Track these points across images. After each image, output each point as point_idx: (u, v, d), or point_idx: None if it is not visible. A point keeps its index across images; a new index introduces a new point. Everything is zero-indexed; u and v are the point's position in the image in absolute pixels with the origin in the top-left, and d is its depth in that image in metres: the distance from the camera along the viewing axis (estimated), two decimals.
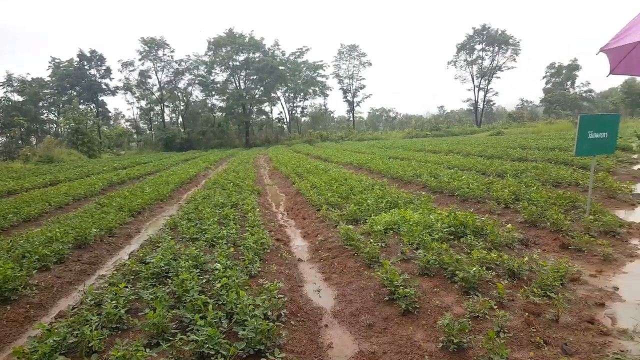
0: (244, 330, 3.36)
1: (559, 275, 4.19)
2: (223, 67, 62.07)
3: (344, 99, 73.69)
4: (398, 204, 7.79)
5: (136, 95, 60.26)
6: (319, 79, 69.45)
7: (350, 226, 6.45)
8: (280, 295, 4.18)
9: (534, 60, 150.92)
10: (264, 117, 67.39)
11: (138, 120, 66.16)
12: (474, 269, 4.23)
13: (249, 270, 5.06)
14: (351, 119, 75.78)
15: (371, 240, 5.64)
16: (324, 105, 75.88)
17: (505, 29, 68.94)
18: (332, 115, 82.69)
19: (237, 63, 62.15)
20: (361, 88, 72.90)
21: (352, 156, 21.31)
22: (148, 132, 65.21)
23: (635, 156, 14.64)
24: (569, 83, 73.10)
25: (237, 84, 62.97)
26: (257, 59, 61.87)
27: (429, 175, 11.21)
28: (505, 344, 3.04)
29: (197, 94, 63.22)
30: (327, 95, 72.02)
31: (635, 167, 12.10)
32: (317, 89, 69.73)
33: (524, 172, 10.74)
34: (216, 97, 62.98)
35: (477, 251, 4.86)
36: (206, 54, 61.44)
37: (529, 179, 9.77)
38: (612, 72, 2.08)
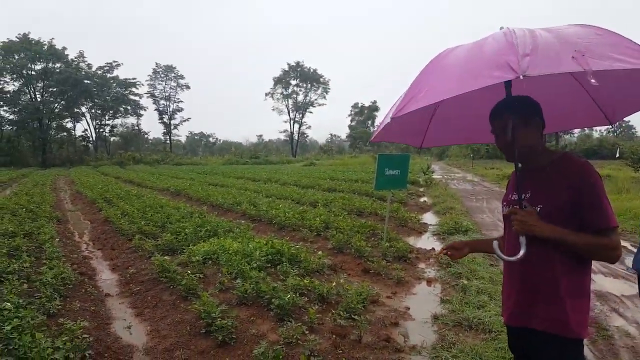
0: None
1: (362, 298, 4.69)
2: (15, 76, 53.49)
3: (160, 121, 70.40)
4: (218, 232, 7.71)
5: None
6: (131, 97, 65.30)
7: (167, 257, 6.12)
8: (84, 335, 3.74)
9: (343, 99, 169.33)
10: (65, 134, 59.93)
11: None
12: (289, 296, 4.45)
13: (47, 308, 4.42)
14: (168, 141, 72.54)
15: (189, 272, 5.45)
16: (138, 126, 71.39)
17: (317, 68, 76.05)
18: (146, 136, 78.02)
19: (34, 72, 54.30)
20: (179, 111, 71.20)
21: (169, 181, 20.37)
22: None
23: (422, 189, 17.50)
24: (369, 122, 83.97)
25: (33, 96, 54.98)
26: (58, 70, 55.03)
27: (248, 204, 11.41)
28: None
29: None
30: (141, 115, 68.27)
31: (422, 199, 14.46)
32: (129, 107, 65.35)
33: (333, 202, 11.80)
34: (5, 108, 53.52)
35: (292, 278, 5.13)
36: None
37: (337, 208, 10.78)
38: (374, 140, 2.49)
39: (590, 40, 1.56)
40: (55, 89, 55.10)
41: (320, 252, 6.57)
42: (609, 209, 1.77)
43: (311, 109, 76.76)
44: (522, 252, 1.84)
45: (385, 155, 7.60)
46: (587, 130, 72.58)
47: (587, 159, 1.93)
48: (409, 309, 4.92)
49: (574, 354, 1.88)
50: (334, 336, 3.97)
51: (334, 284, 5.10)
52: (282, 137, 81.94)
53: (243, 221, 9.42)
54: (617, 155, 27.46)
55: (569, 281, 1.84)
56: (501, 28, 1.82)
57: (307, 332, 3.92)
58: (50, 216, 10.33)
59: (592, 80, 1.36)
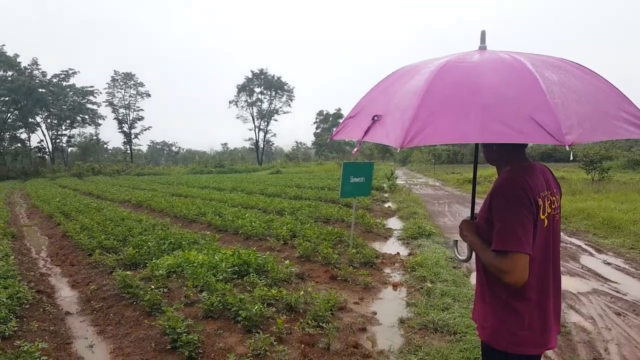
0: None
1: (329, 305, 4.71)
2: None
3: (120, 130, 68.23)
4: (182, 244, 7.57)
5: None
6: (89, 105, 63.29)
7: (129, 272, 5.97)
8: (43, 357, 3.65)
9: (309, 107, 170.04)
10: (19, 145, 57.48)
11: None
12: (256, 307, 4.42)
13: (1, 331, 4.24)
14: (129, 151, 70.44)
15: (152, 286, 5.32)
16: (96, 136, 69.30)
17: (281, 75, 75.72)
18: (106, 146, 75.87)
19: None
20: (139, 119, 68.86)
21: (130, 193, 19.80)
22: None
23: (386, 195, 17.75)
24: (334, 129, 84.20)
25: None
26: (9, 79, 52.73)
27: (213, 214, 11.26)
28: None
29: None
30: (99, 124, 66.17)
31: (386, 205, 14.66)
32: (86, 116, 63.29)
33: (300, 210, 11.81)
34: None
35: (259, 289, 5.09)
36: None
37: (304, 216, 10.80)
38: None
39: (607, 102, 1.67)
40: (7, 99, 52.53)
41: (287, 261, 6.56)
42: (507, 232, 1.70)
43: (276, 116, 76.51)
44: (465, 257, 2.11)
45: (351, 163, 7.71)
46: None
47: (542, 163, 2.00)
48: (376, 314, 4.98)
49: None
50: (302, 345, 3.97)
51: (302, 292, 5.10)
52: (248, 145, 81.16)
53: (208, 232, 9.28)
54: (571, 158, 28.71)
55: (491, 292, 1.88)
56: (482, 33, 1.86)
57: (275, 342, 3.90)
58: (5, 232, 9.88)
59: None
